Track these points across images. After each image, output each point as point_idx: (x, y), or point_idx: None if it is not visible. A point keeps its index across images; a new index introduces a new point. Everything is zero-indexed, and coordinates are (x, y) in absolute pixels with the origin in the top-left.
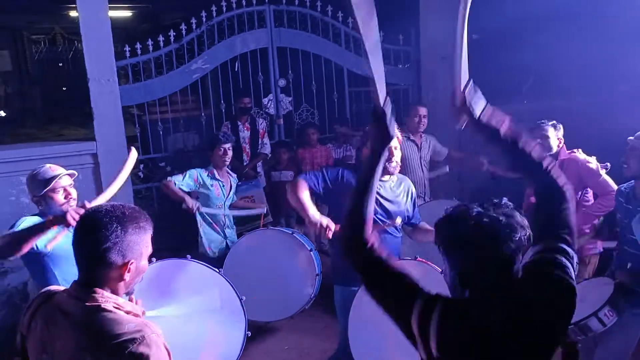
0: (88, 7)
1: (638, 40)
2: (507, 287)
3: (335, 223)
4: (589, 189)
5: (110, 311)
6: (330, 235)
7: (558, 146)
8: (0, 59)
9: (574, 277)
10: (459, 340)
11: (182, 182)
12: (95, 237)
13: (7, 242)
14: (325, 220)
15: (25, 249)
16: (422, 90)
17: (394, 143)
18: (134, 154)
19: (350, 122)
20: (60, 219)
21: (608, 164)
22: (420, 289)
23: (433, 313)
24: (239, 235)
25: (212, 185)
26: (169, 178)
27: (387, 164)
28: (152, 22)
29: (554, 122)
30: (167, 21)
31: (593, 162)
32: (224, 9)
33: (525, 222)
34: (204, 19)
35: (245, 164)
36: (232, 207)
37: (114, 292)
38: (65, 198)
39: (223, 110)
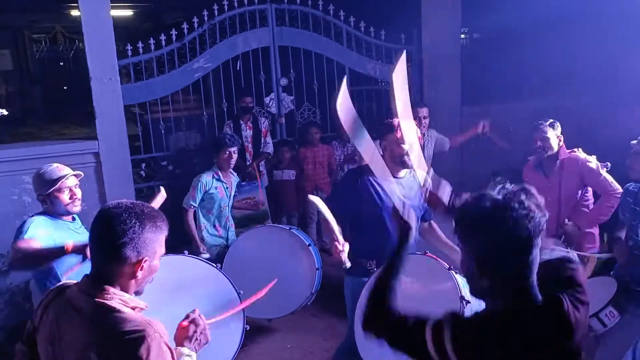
0: (90, 6)
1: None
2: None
3: (352, 232)
4: (588, 188)
5: (116, 308)
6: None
7: (558, 144)
8: (1, 58)
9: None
10: (475, 353)
11: (198, 200)
12: (113, 231)
13: (29, 258)
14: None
15: (42, 266)
16: (424, 89)
17: (415, 139)
18: (162, 195)
19: None
20: (81, 249)
21: (608, 163)
22: (427, 318)
23: (444, 334)
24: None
25: (216, 189)
26: (187, 205)
27: (405, 157)
28: (154, 21)
29: (551, 120)
30: (169, 20)
31: (593, 162)
32: (226, 7)
33: (542, 204)
34: (206, 18)
35: (248, 163)
36: (233, 207)
37: (124, 289)
38: (70, 198)
39: (225, 109)
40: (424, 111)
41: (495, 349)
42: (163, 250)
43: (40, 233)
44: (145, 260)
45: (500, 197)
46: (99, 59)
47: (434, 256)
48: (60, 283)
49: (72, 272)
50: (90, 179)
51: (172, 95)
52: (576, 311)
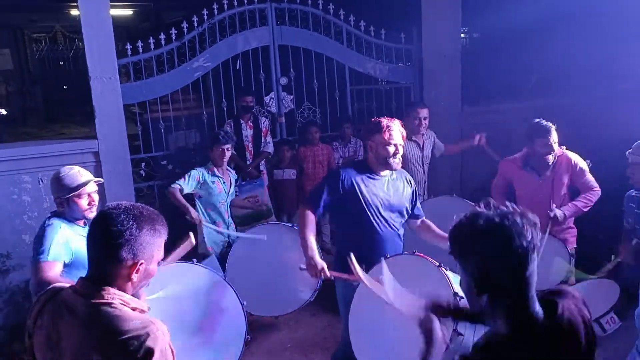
0: (89, 5)
1: (639, 38)
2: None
3: (338, 228)
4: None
5: (117, 308)
6: (325, 276)
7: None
8: (1, 57)
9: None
10: None
11: (186, 185)
12: (110, 232)
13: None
14: (321, 265)
15: None
16: (424, 88)
17: (400, 141)
18: (191, 242)
19: (353, 121)
20: None
21: (589, 161)
22: None
23: None
24: None
25: (213, 183)
26: (173, 185)
27: (390, 159)
28: (153, 20)
29: (549, 123)
30: (169, 19)
31: (580, 160)
32: (226, 6)
33: (537, 221)
34: (206, 17)
35: (248, 162)
36: (233, 204)
37: (122, 291)
38: (88, 204)
39: (224, 109)
40: (424, 112)
41: None
42: (161, 254)
43: (61, 250)
44: (142, 263)
45: (493, 214)
46: (98, 58)
47: (422, 255)
48: (52, 286)
49: None
50: None
51: (171, 95)
52: (574, 312)
